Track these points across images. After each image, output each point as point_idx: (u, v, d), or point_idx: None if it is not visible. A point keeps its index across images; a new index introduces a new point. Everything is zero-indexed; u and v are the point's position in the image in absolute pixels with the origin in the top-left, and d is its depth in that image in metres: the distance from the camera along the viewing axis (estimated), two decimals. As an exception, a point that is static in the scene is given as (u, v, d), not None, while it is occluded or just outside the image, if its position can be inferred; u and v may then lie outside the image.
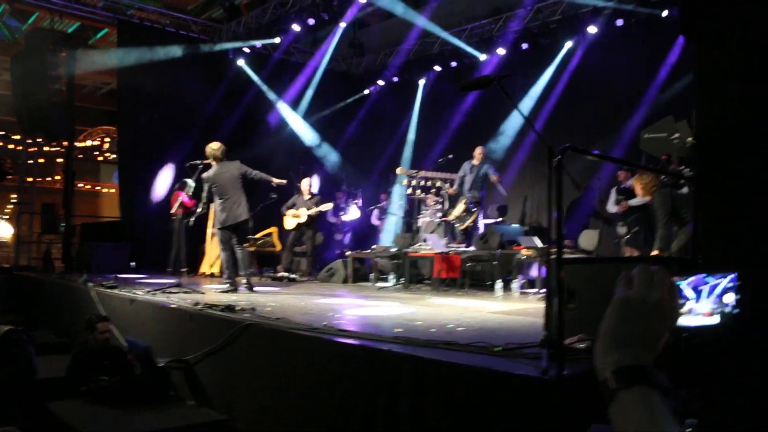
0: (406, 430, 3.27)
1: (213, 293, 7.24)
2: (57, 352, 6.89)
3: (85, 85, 18.43)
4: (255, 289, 7.70)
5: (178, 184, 7.76)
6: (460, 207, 9.98)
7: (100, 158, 21.58)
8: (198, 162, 7.68)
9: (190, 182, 7.86)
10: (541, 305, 4.63)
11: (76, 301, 7.72)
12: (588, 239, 8.97)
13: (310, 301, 6.81)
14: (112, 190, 19.35)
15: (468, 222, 9.89)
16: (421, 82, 13.84)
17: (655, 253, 7.47)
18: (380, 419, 3.42)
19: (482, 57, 12.36)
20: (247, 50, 13.04)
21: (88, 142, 20.70)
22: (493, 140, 11.92)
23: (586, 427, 2.39)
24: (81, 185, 20.23)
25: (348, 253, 10.25)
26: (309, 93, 13.78)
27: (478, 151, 10.35)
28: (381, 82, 14.40)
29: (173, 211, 9.41)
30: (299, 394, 4.14)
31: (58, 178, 19.34)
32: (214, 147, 7.73)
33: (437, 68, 13.26)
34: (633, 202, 8.87)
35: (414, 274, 9.34)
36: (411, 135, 13.87)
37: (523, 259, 8.27)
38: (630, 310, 0.88)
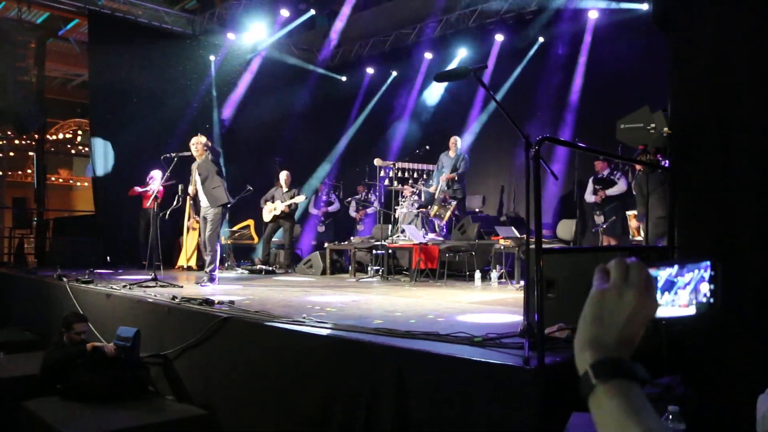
0: (388, 422, 3.28)
1: (192, 286, 7.19)
2: (31, 349, 6.80)
3: (55, 77, 18.12)
4: (234, 282, 7.67)
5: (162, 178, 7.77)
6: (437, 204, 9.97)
7: (73, 151, 21.27)
8: (173, 155, 7.61)
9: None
10: (520, 295, 4.67)
11: (50, 297, 7.61)
12: (565, 229, 9.04)
13: (288, 293, 6.79)
14: (86, 184, 19.08)
15: (447, 215, 9.88)
16: (396, 74, 13.80)
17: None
18: (362, 411, 3.42)
19: (457, 48, 12.35)
20: (218, 42, 12.90)
21: (60, 135, 20.39)
22: (470, 130, 11.94)
23: (567, 416, 2.41)
24: (54, 179, 19.96)
25: (326, 244, 10.23)
26: (283, 86, 13.67)
27: (452, 141, 10.39)
28: (356, 74, 14.34)
29: (148, 204, 9.36)
30: (279, 388, 4.12)
31: (29, 171, 19.05)
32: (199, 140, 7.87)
33: (413, 59, 13.23)
34: (610, 191, 8.98)
35: (392, 265, 9.34)
36: (387, 126, 13.84)
37: (501, 249, 8.31)
38: (606, 304, 0.88)
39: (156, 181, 9.75)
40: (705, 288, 0.94)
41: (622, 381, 0.82)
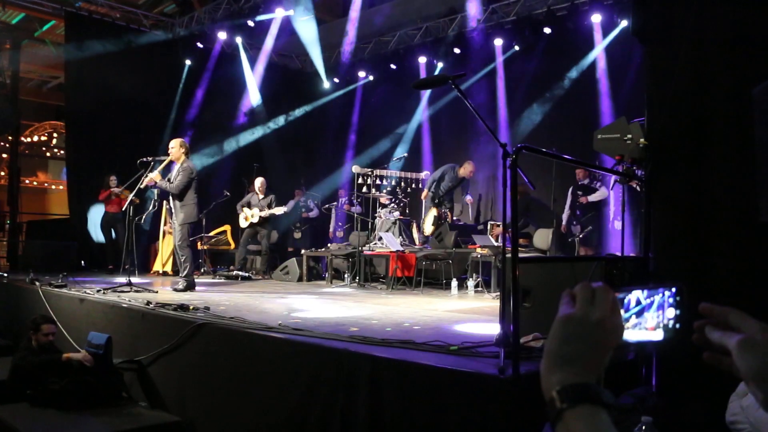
0: (363, 430, 3.26)
1: (167, 292, 7.12)
2: (1, 354, 6.67)
3: (30, 79, 17.88)
4: (209, 287, 7.59)
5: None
6: (429, 221, 9.87)
7: (48, 154, 20.97)
8: (150, 158, 7.53)
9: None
10: (496, 304, 4.68)
11: (23, 302, 7.48)
12: (542, 238, 9.09)
13: (264, 300, 6.75)
14: (62, 187, 18.81)
15: None
16: (375, 80, 13.80)
17: None
18: (337, 418, 3.41)
19: (436, 58, 12.39)
20: (200, 45, 12.79)
21: (35, 138, 20.09)
22: (448, 139, 11.97)
23: (542, 425, 2.41)
24: (28, 182, 19.66)
25: (303, 251, 10.18)
26: (262, 90, 13.62)
27: (471, 167, 10.07)
28: (336, 80, 14.32)
29: (123, 209, 9.26)
30: (254, 395, 4.09)
31: (2, 174, 18.76)
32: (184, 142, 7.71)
33: (392, 66, 13.24)
34: (592, 197, 9.09)
35: (369, 272, 9.32)
36: (366, 133, 13.83)
37: (478, 258, 8.33)
38: (572, 329, 0.87)
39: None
40: (671, 313, 0.94)
41: (589, 406, 0.81)
